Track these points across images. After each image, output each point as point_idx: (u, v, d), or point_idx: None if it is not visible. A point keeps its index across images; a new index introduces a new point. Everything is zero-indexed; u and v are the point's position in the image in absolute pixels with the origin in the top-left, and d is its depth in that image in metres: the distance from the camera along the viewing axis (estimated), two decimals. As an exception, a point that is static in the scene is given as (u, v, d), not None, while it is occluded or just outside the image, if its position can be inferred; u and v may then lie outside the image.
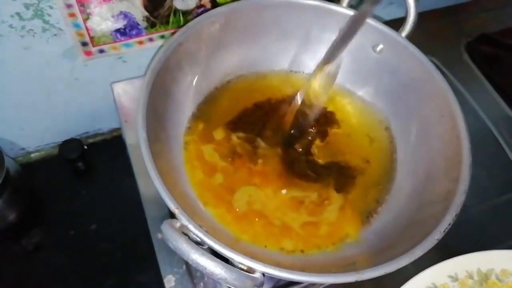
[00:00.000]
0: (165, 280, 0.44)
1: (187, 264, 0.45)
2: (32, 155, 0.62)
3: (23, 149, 0.61)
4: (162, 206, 0.48)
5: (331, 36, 0.49)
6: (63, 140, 0.60)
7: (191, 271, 0.45)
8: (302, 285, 0.44)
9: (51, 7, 0.44)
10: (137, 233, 0.49)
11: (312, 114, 0.47)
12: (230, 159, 0.45)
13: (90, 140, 0.64)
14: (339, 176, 0.46)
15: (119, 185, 0.58)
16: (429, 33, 0.68)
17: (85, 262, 0.54)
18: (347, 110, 0.50)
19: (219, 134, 0.47)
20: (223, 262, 0.30)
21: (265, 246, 0.40)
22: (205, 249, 0.31)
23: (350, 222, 0.43)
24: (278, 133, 0.47)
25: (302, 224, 0.42)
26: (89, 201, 0.59)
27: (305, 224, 0.43)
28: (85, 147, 0.61)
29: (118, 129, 0.64)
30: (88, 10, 0.46)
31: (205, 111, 0.48)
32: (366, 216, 0.43)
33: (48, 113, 0.57)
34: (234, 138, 0.46)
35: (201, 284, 0.44)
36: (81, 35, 0.48)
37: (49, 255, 0.54)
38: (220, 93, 0.49)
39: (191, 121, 0.47)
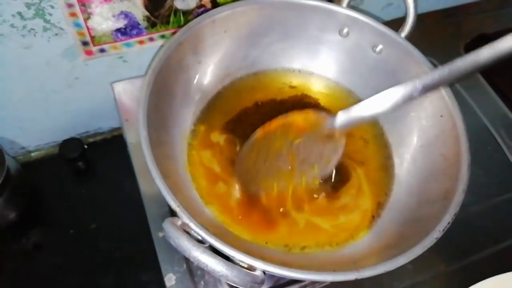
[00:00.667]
0: (165, 279, 0.44)
1: (187, 262, 0.45)
2: (32, 154, 0.62)
3: (23, 148, 0.61)
4: (163, 205, 0.48)
5: (331, 36, 0.50)
6: (63, 139, 0.60)
7: (191, 269, 0.45)
8: (302, 283, 0.45)
9: (52, 7, 0.44)
10: (138, 232, 0.49)
11: None
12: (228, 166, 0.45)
13: (90, 140, 0.64)
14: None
15: (119, 184, 0.58)
16: (429, 34, 0.68)
17: (85, 261, 0.54)
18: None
19: (217, 137, 0.47)
20: (224, 260, 0.30)
21: (266, 243, 0.40)
22: (206, 247, 0.31)
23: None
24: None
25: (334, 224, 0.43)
26: (89, 200, 0.59)
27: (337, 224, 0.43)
28: (85, 146, 0.61)
29: (118, 128, 0.64)
30: (89, 10, 0.46)
31: (206, 112, 0.48)
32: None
33: (49, 112, 0.57)
34: (233, 143, 0.47)
35: (202, 282, 0.45)
36: (82, 34, 0.48)
37: (49, 254, 0.54)
38: (221, 93, 0.49)
39: (193, 123, 0.47)
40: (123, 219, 0.56)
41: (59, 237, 0.56)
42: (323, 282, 0.45)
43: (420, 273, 0.48)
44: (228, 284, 0.43)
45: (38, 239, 0.55)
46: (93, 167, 0.62)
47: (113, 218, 0.57)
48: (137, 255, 0.53)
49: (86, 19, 0.47)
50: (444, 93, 0.43)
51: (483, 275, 0.48)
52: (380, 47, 0.48)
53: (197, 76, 0.47)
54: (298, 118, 0.43)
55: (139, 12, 0.49)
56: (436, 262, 0.48)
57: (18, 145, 0.60)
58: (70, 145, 0.59)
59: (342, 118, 0.40)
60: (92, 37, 0.49)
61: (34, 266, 0.54)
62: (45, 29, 0.46)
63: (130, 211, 0.53)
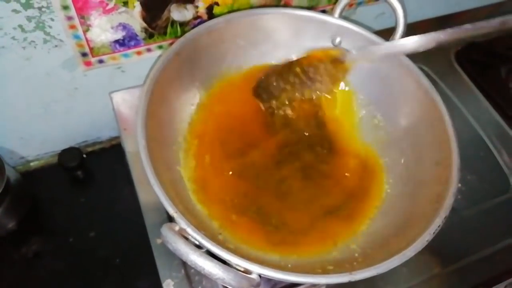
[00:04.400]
0: (164, 285, 0.45)
1: (185, 268, 0.46)
2: (32, 163, 0.63)
3: (22, 158, 0.62)
4: (161, 213, 0.48)
5: (324, 45, 0.51)
6: (63, 149, 0.61)
7: (189, 275, 0.45)
8: (300, 287, 0.45)
9: (52, 19, 0.45)
10: (136, 239, 0.49)
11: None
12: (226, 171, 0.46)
13: (89, 149, 0.65)
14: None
15: (118, 192, 0.59)
16: (420, 42, 0.70)
17: (85, 269, 0.54)
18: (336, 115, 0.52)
19: (214, 144, 0.47)
20: (220, 263, 0.31)
21: (261, 248, 0.41)
22: (203, 251, 0.32)
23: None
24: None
25: None
26: (88, 209, 0.59)
27: None
28: (84, 155, 0.62)
29: (117, 137, 0.65)
30: (88, 22, 0.47)
31: (204, 120, 0.49)
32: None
33: (48, 122, 0.58)
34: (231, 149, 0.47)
35: (199, 288, 0.45)
36: (81, 46, 0.49)
37: (48, 262, 0.55)
38: (218, 101, 0.50)
39: (190, 130, 0.48)
40: (122, 227, 0.57)
41: (58, 245, 0.56)
42: (318, 284, 0.46)
43: (414, 276, 0.48)
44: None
45: (37, 247, 0.56)
46: (92, 176, 0.63)
47: (112, 226, 0.57)
48: (136, 262, 0.54)
49: (85, 31, 0.48)
50: (434, 99, 0.44)
51: (477, 277, 0.49)
52: (371, 55, 0.49)
53: (194, 86, 0.48)
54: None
55: (137, 24, 0.50)
56: (431, 265, 0.49)
57: (17, 155, 0.61)
58: (69, 154, 0.60)
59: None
60: (91, 48, 0.50)
61: (34, 273, 0.54)
62: (45, 41, 0.47)
63: (128, 219, 0.54)
